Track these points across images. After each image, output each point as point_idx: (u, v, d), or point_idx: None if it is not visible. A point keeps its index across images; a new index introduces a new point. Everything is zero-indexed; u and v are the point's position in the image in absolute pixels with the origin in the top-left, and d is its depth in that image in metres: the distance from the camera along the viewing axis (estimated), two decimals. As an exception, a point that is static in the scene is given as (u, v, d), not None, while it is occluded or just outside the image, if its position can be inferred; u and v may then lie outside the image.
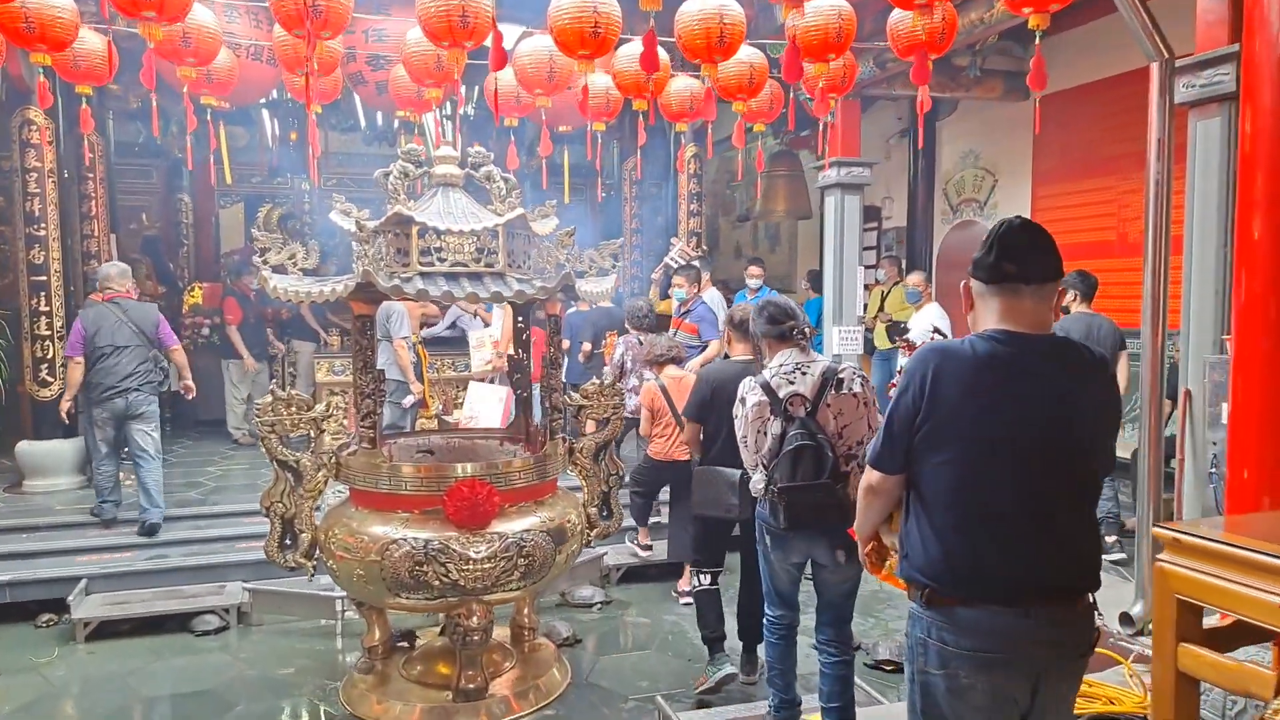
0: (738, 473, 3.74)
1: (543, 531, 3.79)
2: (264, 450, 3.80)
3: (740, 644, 4.28)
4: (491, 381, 6.58)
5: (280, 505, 3.82)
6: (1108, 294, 6.81)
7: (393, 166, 3.81)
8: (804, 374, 3.13)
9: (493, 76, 3.99)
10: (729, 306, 6.00)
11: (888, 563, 2.27)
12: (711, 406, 4.02)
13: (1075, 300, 5.71)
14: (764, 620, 3.40)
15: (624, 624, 5.09)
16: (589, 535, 4.18)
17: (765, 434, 3.13)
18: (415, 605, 3.77)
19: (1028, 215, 7.50)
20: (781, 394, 3.10)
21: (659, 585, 5.62)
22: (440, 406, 6.98)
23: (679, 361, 5.40)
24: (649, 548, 5.75)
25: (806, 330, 3.25)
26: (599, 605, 5.26)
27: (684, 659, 4.55)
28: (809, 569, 3.33)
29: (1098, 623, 2.03)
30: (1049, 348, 1.98)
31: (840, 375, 3.13)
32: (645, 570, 5.71)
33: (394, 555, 3.58)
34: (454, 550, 3.58)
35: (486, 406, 5.94)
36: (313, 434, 3.89)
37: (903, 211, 8.90)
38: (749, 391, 3.18)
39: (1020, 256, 1.98)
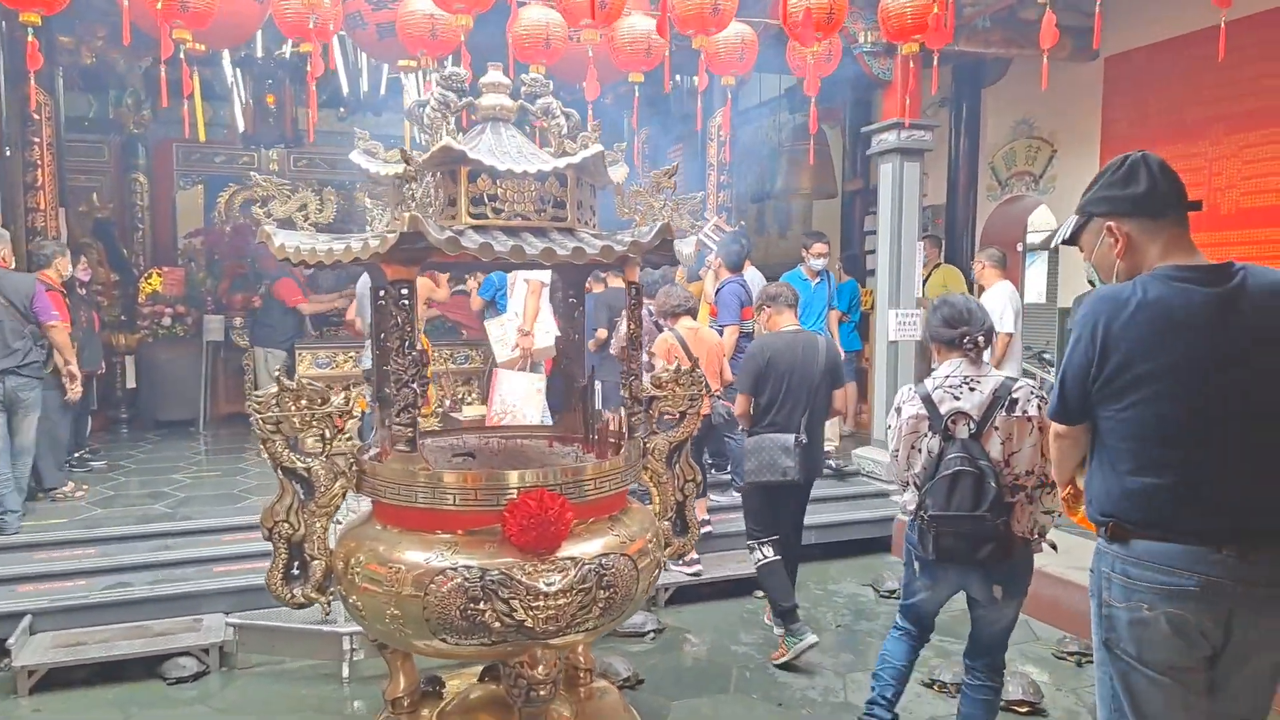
0: (791, 436, 4.17)
1: (623, 555, 2.99)
2: (266, 456, 2.96)
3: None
4: (523, 370, 5.75)
5: (286, 525, 2.99)
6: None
7: (428, 95, 3.00)
8: (972, 390, 2.79)
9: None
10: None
11: (1083, 507, 2.18)
12: (766, 378, 4.32)
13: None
14: (894, 628, 3.11)
15: (688, 657, 4.31)
16: (663, 556, 3.39)
17: (919, 450, 2.83)
18: (466, 652, 2.96)
19: (1093, 188, 6.85)
20: (943, 409, 2.78)
21: (717, 606, 4.86)
22: (447, 403, 6.14)
23: (694, 313, 5.31)
24: (707, 523, 5.14)
25: (980, 340, 2.84)
26: (652, 634, 4.48)
27: (772, 703, 3.79)
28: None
29: None
30: (1230, 276, 1.88)
31: (1015, 395, 2.76)
32: (698, 590, 4.93)
33: (440, 590, 2.76)
34: (520, 582, 2.76)
35: (523, 399, 5.12)
36: (328, 434, 3.05)
37: (940, 188, 8.20)
38: (906, 401, 2.90)
39: (1178, 186, 1.96)
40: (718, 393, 5.28)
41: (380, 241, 2.62)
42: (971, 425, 2.75)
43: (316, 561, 3.04)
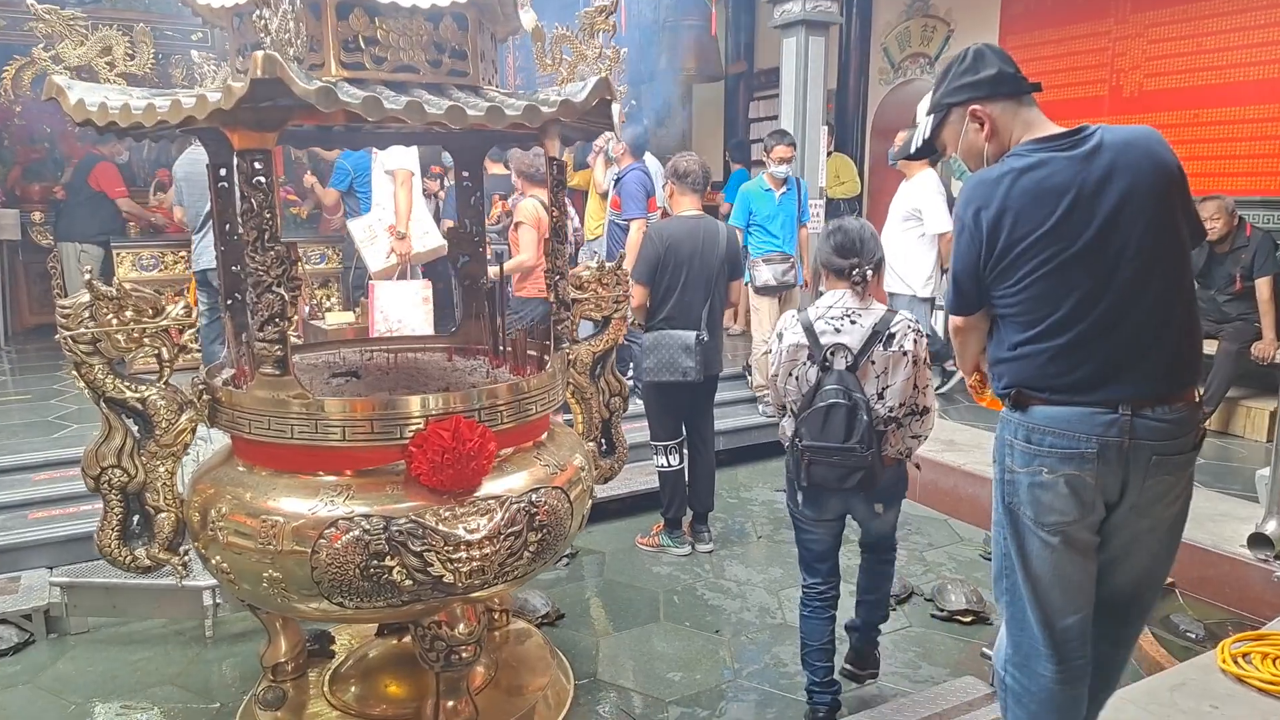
0: (692, 334, 3.97)
1: (554, 487, 2.51)
2: (82, 385, 2.27)
3: (691, 513, 4.32)
4: (402, 278, 5.02)
5: (118, 471, 2.33)
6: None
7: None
8: (853, 323, 2.72)
9: None
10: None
11: (989, 390, 2.21)
12: (665, 267, 4.04)
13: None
14: (802, 591, 2.92)
15: (608, 585, 3.92)
16: (593, 482, 2.93)
17: (795, 378, 2.76)
18: (368, 616, 2.44)
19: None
20: (824, 340, 2.71)
21: (630, 524, 4.48)
22: (305, 309, 5.36)
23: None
24: None
25: (869, 273, 2.74)
26: (565, 560, 4.06)
27: (707, 631, 3.46)
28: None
29: (1203, 422, 1.98)
30: (1087, 139, 1.90)
31: (893, 330, 2.70)
32: (605, 507, 4.52)
33: (333, 546, 2.21)
34: (435, 531, 2.24)
35: (409, 311, 4.44)
36: (165, 354, 2.37)
37: (830, 72, 7.77)
38: (787, 327, 2.81)
39: (1019, 69, 2.02)
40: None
41: (224, 95, 1.92)
42: (849, 358, 2.68)
43: (163, 514, 2.42)
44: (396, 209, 5.16)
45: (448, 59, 2.34)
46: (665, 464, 4.25)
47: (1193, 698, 2.46)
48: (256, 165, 2.12)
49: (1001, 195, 1.90)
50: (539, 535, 2.42)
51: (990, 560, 4.05)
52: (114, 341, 2.26)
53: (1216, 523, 3.78)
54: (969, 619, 3.49)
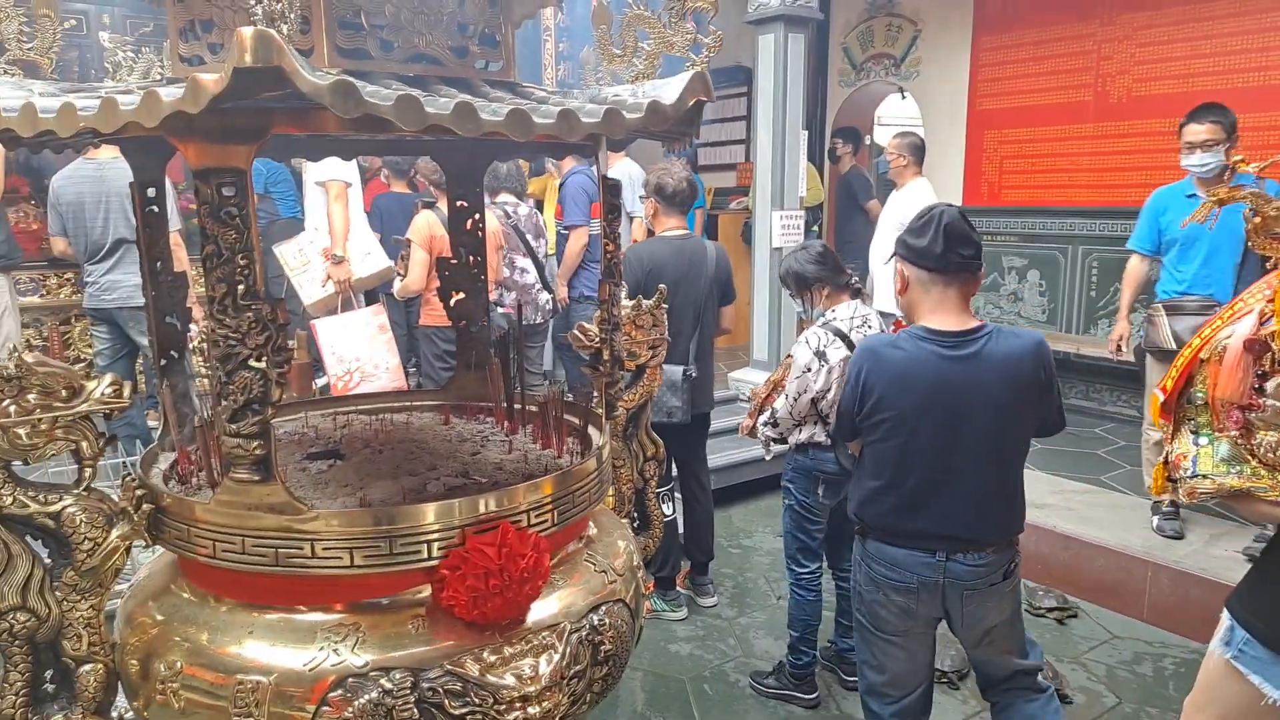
0: (679, 369, 3.75)
1: (617, 601, 1.96)
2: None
3: (687, 564, 4.07)
4: (347, 308, 4.32)
5: (23, 615, 1.70)
6: (1078, 167, 5.84)
7: None
8: (870, 326, 3.07)
9: None
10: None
11: None
12: (647, 294, 3.59)
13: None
14: (803, 578, 3.21)
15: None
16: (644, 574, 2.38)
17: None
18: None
19: (967, 73, 6.31)
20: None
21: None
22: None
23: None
24: None
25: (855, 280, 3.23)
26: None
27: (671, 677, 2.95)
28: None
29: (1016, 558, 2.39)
30: (970, 343, 2.22)
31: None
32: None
33: (341, 713, 1.61)
34: (484, 685, 1.66)
35: (360, 343, 3.77)
36: (85, 449, 1.72)
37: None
38: (828, 346, 3.00)
39: (964, 252, 2.22)
40: (497, 293, 4.39)
41: (190, 91, 1.30)
42: None
43: (88, 666, 1.77)
44: (331, 228, 4.48)
45: (475, 46, 1.77)
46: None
47: None
48: (226, 192, 1.50)
49: (879, 368, 2.28)
50: (604, 670, 1.87)
51: (1039, 616, 3.71)
52: (12, 438, 1.61)
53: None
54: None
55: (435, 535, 1.69)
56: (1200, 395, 1.66)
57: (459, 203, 2.51)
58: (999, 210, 6.20)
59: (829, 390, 2.99)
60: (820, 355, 3.01)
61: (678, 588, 3.92)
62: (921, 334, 2.25)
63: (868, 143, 7.62)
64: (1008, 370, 2.20)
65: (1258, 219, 1.64)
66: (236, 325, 1.54)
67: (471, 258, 2.52)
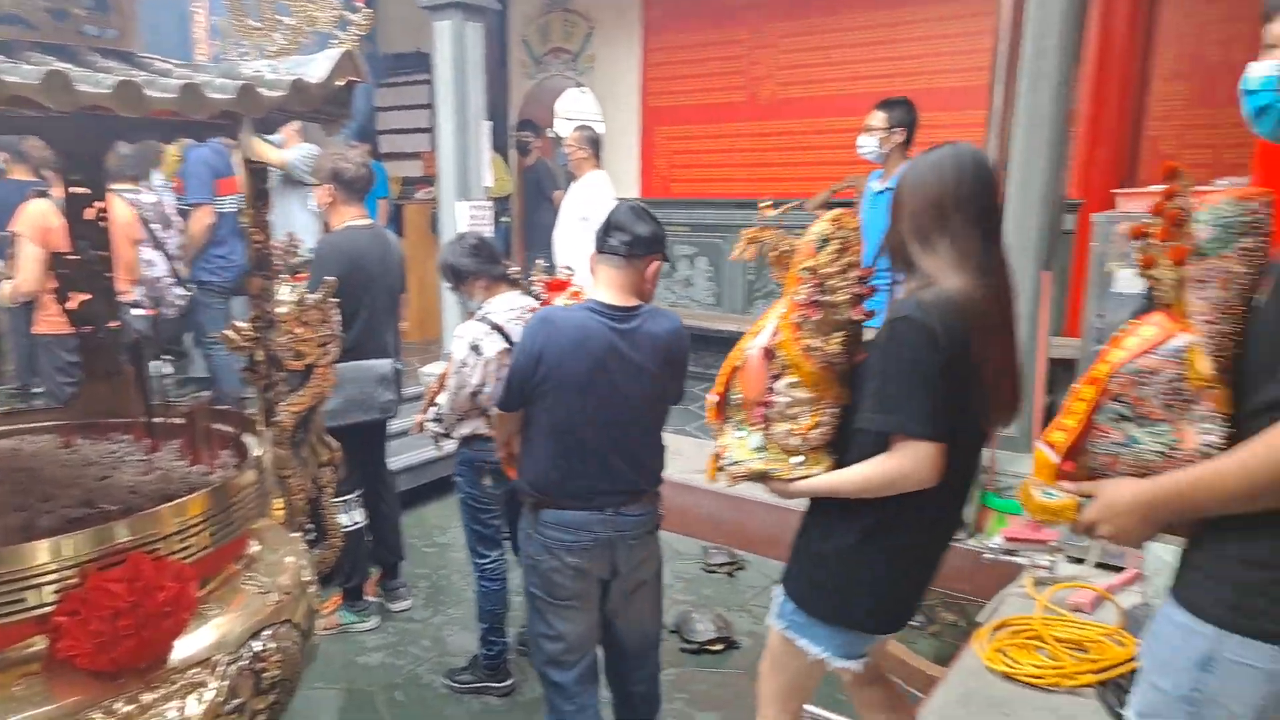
0: (388, 362, 3.68)
1: (284, 622, 1.81)
2: None
3: (377, 571, 3.91)
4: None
5: None
6: (733, 163, 6.34)
7: None
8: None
9: None
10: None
11: None
12: (351, 288, 3.40)
13: None
14: (486, 569, 3.23)
15: (303, 701, 3.12)
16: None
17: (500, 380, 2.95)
18: None
19: (638, 71, 6.60)
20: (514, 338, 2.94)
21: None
22: None
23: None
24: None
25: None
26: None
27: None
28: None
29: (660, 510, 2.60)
30: (633, 318, 2.42)
31: None
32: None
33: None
34: (117, 743, 1.45)
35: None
36: None
37: (466, 61, 7.26)
38: (483, 338, 3.00)
39: (645, 237, 2.39)
40: (126, 292, 4.09)
41: None
42: None
43: None
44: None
45: (79, 9, 1.52)
46: (357, 520, 3.62)
47: (984, 709, 2.48)
48: None
49: (553, 336, 2.39)
50: (271, 699, 1.72)
51: (712, 573, 4.00)
52: None
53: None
54: (719, 647, 3.34)
55: (47, 578, 1.45)
56: (736, 396, 1.95)
57: (76, 189, 2.18)
58: (671, 202, 6.59)
59: (485, 384, 2.99)
60: (475, 349, 3.00)
61: (368, 596, 3.75)
62: (593, 305, 2.42)
63: (550, 135, 7.74)
64: (659, 344, 2.44)
65: (774, 253, 2.05)
66: None
67: (95, 252, 2.19)
